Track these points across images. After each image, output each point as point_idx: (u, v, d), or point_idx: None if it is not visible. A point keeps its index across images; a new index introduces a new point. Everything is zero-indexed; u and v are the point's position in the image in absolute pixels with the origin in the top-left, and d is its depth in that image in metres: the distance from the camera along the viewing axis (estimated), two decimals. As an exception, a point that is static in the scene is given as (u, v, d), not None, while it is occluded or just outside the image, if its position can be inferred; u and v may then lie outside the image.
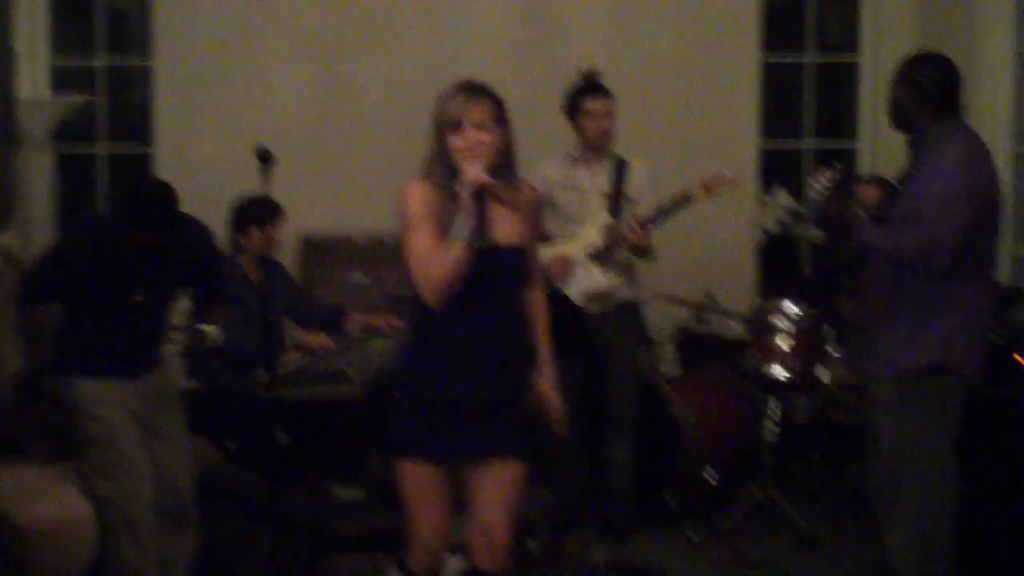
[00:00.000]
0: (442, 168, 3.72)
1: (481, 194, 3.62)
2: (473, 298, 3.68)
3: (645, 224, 5.54)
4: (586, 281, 5.65)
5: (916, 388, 4.46)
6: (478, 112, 3.68)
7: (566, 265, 5.61)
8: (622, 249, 5.62)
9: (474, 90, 3.73)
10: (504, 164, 3.76)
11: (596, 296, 5.67)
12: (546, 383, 3.95)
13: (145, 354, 4.73)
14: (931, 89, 4.49)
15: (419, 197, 3.69)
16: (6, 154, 3.72)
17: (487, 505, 3.80)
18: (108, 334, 4.58)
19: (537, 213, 3.94)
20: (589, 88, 5.74)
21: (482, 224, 3.62)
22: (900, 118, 4.61)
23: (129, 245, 4.56)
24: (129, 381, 4.61)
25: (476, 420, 3.74)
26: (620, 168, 5.73)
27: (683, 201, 5.62)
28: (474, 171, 3.61)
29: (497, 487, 3.79)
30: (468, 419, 3.74)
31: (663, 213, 5.59)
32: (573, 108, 5.73)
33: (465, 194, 3.60)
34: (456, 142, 3.68)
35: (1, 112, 3.67)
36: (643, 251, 5.61)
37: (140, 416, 4.60)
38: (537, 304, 3.96)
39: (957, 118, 4.56)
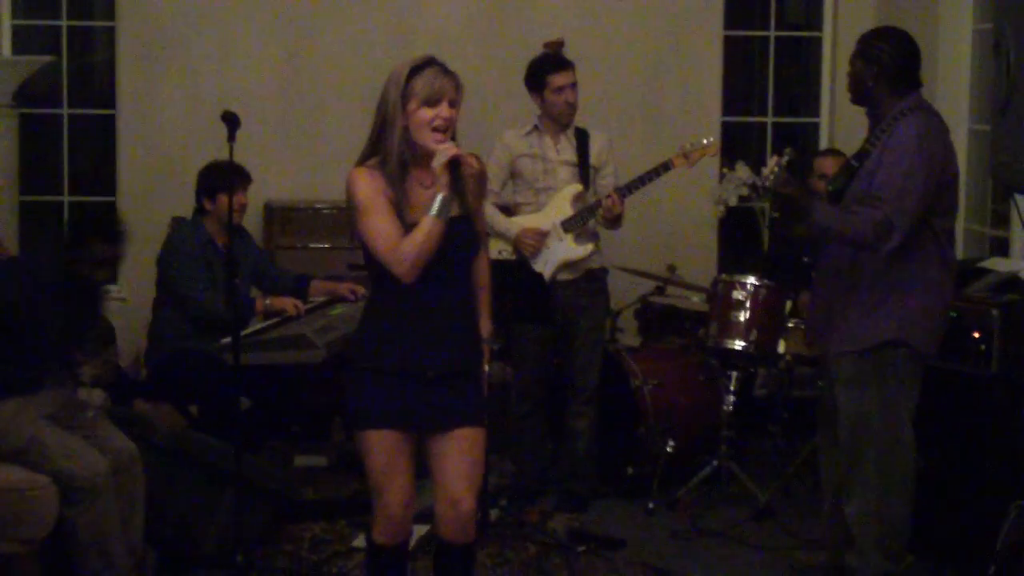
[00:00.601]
0: (403, 143, 3.73)
1: (456, 167, 3.66)
2: (429, 270, 3.72)
3: (622, 193, 5.59)
4: (559, 250, 5.69)
5: (874, 363, 4.50)
6: (452, 89, 3.72)
7: (538, 236, 5.65)
8: (595, 218, 5.66)
9: (445, 67, 3.76)
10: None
11: (569, 265, 5.71)
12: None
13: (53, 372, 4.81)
14: (889, 63, 4.50)
15: (366, 182, 3.72)
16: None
17: (451, 476, 3.82)
18: (26, 361, 4.65)
19: (483, 182, 3.96)
20: (553, 63, 5.75)
21: (463, 197, 3.70)
22: (858, 92, 4.63)
23: (87, 262, 4.73)
24: (36, 395, 4.68)
25: (437, 390, 3.78)
26: (582, 138, 5.76)
27: (662, 169, 5.66)
28: (447, 146, 3.65)
29: (460, 457, 3.82)
30: (429, 389, 3.78)
31: (641, 182, 5.64)
32: (537, 83, 5.73)
33: (440, 168, 3.64)
34: (426, 116, 3.70)
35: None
36: (616, 220, 5.65)
37: (54, 417, 4.67)
38: (483, 270, 4.01)
39: (916, 94, 4.57)
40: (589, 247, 5.72)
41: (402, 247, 3.66)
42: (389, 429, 3.79)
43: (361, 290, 5.89)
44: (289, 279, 6.06)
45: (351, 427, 3.89)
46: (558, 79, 5.67)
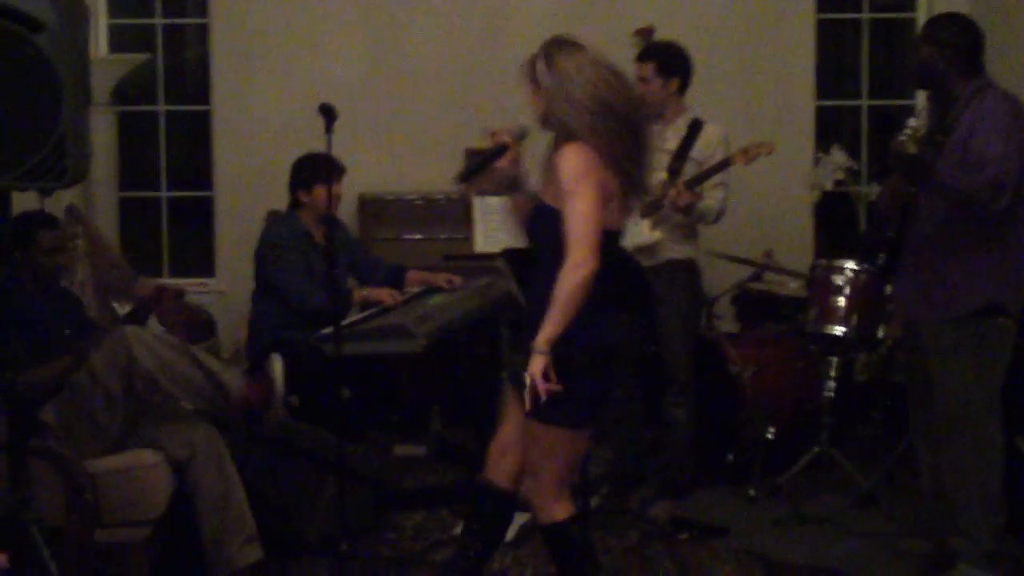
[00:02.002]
0: None
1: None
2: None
3: (690, 185, 5.55)
4: (633, 234, 5.65)
5: (970, 330, 4.53)
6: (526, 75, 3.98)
7: None
8: (667, 207, 5.64)
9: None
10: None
11: (642, 250, 5.68)
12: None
13: None
14: (959, 47, 4.57)
15: None
16: (83, 112, 3.75)
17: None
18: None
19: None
20: (639, 55, 5.76)
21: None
22: (927, 77, 4.68)
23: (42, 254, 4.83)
24: None
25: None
26: (693, 128, 5.71)
27: (722, 166, 5.63)
28: None
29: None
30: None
31: (703, 177, 5.61)
32: None
33: None
34: None
35: (78, 70, 3.70)
36: (684, 211, 5.59)
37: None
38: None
39: (985, 75, 4.63)
40: (657, 234, 5.67)
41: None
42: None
43: (458, 280, 5.90)
44: (385, 269, 6.08)
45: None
46: (636, 70, 5.68)
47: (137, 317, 4.90)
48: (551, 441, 3.85)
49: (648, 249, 5.69)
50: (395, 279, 6.02)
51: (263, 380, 4.87)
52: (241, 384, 4.69)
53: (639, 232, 5.66)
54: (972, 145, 4.44)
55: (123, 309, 4.82)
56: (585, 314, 3.69)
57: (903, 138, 4.38)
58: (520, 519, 5.29)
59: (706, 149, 5.70)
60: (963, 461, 4.58)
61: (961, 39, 4.58)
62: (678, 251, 5.76)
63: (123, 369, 4.52)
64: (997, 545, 4.60)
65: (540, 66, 3.80)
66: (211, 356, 4.71)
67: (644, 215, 5.65)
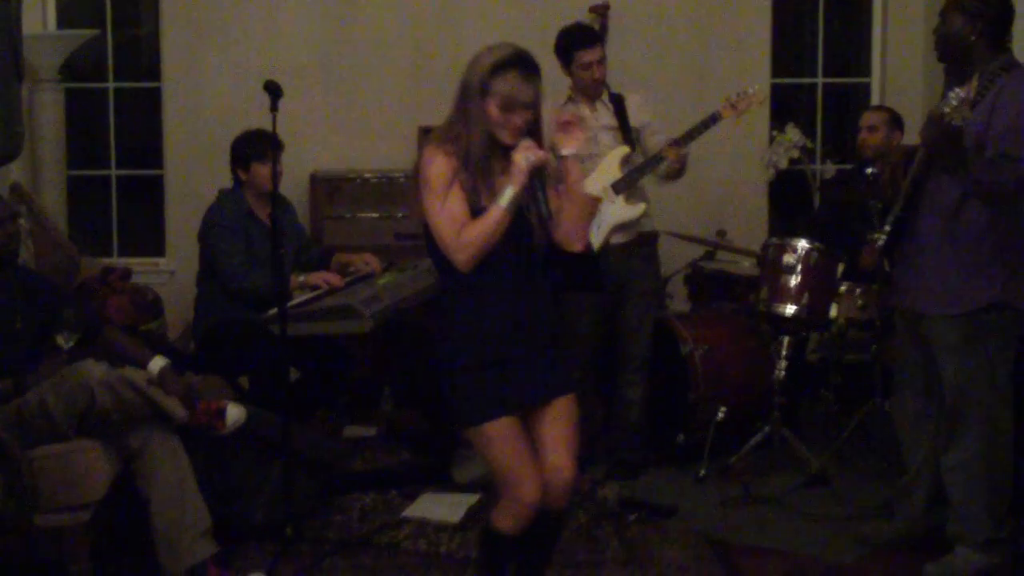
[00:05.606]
0: (485, 135, 3.63)
1: (540, 171, 3.59)
2: (504, 257, 3.65)
3: (679, 143, 5.51)
4: (612, 213, 5.62)
5: (978, 327, 4.42)
6: (531, 94, 3.61)
7: (592, 203, 5.58)
8: (658, 172, 5.61)
9: (530, 70, 3.63)
10: (533, 132, 3.67)
11: (622, 227, 5.64)
12: None
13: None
14: (991, 18, 4.35)
15: (442, 162, 3.62)
16: (14, 90, 3.68)
17: (553, 445, 3.76)
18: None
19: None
20: (580, 39, 5.67)
21: (539, 197, 3.60)
22: (952, 49, 4.44)
23: None
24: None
25: (532, 368, 3.72)
26: (618, 102, 5.70)
27: (711, 121, 5.57)
28: (531, 149, 3.57)
29: (560, 426, 3.77)
30: (526, 369, 3.71)
31: (692, 135, 5.55)
32: (566, 56, 5.67)
33: (523, 167, 3.54)
34: (501, 119, 3.60)
35: (10, 48, 3.63)
36: (682, 170, 5.61)
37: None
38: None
39: (1010, 53, 4.43)
40: (642, 206, 5.66)
41: (465, 234, 3.57)
42: (505, 416, 3.69)
43: (375, 263, 5.77)
44: (316, 253, 6.00)
45: (464, 425, 3.78)
46: (585, 56, 5.61)
47: (87, 341, 4.78)
48: (577, 409, 3.83)
49: (627, 224, 5.66)
50: (324, 262, 5.92)
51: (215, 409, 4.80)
52: (183, 413, 4.61)
53: (619, 208, 5.63)
54: (993, 131, 4.24)
55: (68, 343, 4.67)
56: None
57: (948, 108, 4.14)
58: (469, 501, 5.27)
59: (640, 116, 5.72)
60: (972, 451, 4.49)
61: (993, 10, 4.35)
62: (646, 224, 5.77)
63: (81, 412, 4.42)
64: (1000, 530, 4.55)
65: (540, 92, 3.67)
66: (156, 388, 4.63)
67: (618, 191, 5.61)
